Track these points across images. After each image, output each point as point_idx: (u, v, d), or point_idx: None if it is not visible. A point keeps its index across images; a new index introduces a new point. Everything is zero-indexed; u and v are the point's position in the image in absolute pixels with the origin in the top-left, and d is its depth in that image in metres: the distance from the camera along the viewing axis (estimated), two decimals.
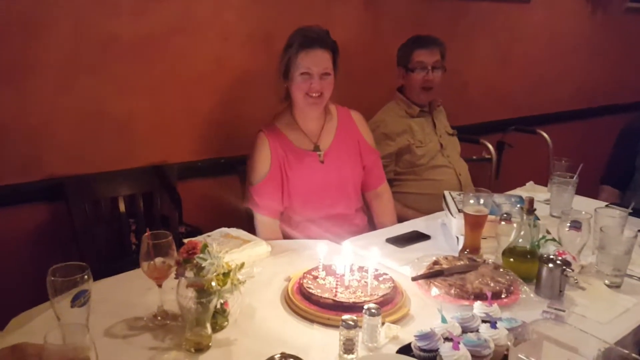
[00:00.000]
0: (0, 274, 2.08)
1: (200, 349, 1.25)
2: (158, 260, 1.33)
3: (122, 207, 2.26)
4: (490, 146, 3.01)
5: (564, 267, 1.48)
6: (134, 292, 1.48)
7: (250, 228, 2.00)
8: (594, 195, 2.30)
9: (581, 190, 2.14)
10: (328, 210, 2.12)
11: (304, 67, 2.02)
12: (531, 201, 1.60)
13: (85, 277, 1.18)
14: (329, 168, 2.13)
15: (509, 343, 1.18)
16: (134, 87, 2.29)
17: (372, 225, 2.30)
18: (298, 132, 2.14)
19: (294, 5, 2.64)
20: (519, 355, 1.11)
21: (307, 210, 2.10)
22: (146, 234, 1.34)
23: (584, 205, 1.97)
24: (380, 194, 2.32)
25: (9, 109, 2.04)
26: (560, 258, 1.51)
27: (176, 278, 1.27)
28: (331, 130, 2.18)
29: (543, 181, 2.46)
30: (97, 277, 1.25)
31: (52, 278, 1.17)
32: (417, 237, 1.92)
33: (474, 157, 3.02)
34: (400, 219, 2.24)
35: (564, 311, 1.41)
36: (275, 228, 2.08)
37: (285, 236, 2.09)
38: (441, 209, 2.05)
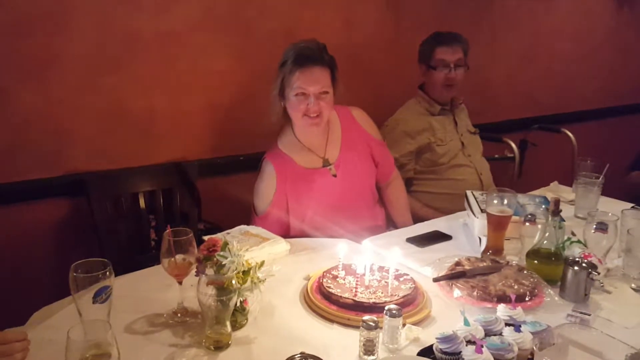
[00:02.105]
0: (22, 268, 2.11)
1: (220, 346, 1.25)
2: (179, 257, 1.34)
3: (142, 203, 2.27)
4: (513, 145, 2.96)
5: (590, 269, 1.45)
6: (154, 288, 1.48)
7: None
8: (621, 197, 2.24)
9: (607, 191, 2.10)
10: (350, 218, 2.04)
11: (298, 88, 1.91)
12: (557, 202, 1.57)
13: (107, 273, 1.19)
14: (343, 180, 2.06)
15: (534, 347, 1.16)
16: (155, 83, 2.30)
17: (387, 213, 2.28)
18: (303, 151, 2.05)
19: (315, 1, 2.62)
20: None
21: (328, 223, 2.02)
22: (167, 230, 1.34)
23: (610, 207, 1.93)
24: (392, 180, 2.28)
25: (32, 105, 2.06)
26: (585, 260, 1.49)
27: (196, 275, 1.27)
28: (337, 139, 2.10)
29: (566, 181, 2.41)
30: (117, 272, 1.25)
31: (75, 274, 1.17)
32: (438, 237, 1.90)
33: (496, 156, 2.98)
34: (421, 219, 2.21)
35: (589, 315, 1.38)
36: None
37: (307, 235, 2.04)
38: (462, 209, 2.02)
